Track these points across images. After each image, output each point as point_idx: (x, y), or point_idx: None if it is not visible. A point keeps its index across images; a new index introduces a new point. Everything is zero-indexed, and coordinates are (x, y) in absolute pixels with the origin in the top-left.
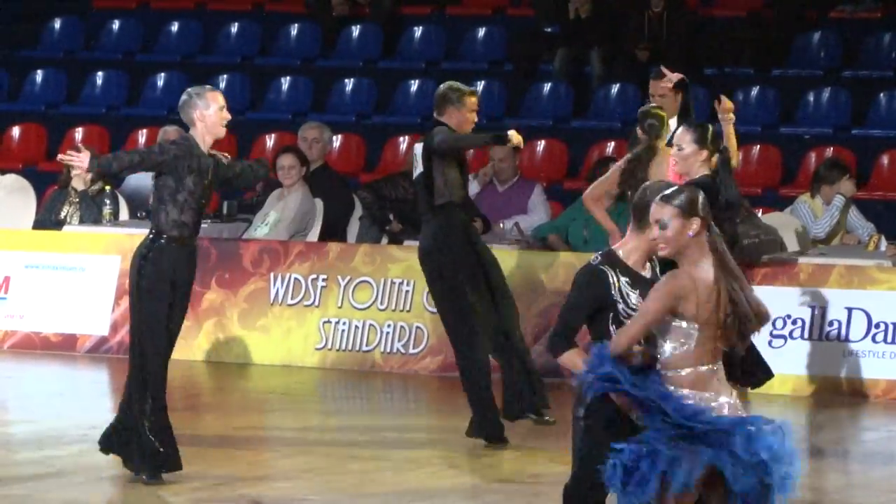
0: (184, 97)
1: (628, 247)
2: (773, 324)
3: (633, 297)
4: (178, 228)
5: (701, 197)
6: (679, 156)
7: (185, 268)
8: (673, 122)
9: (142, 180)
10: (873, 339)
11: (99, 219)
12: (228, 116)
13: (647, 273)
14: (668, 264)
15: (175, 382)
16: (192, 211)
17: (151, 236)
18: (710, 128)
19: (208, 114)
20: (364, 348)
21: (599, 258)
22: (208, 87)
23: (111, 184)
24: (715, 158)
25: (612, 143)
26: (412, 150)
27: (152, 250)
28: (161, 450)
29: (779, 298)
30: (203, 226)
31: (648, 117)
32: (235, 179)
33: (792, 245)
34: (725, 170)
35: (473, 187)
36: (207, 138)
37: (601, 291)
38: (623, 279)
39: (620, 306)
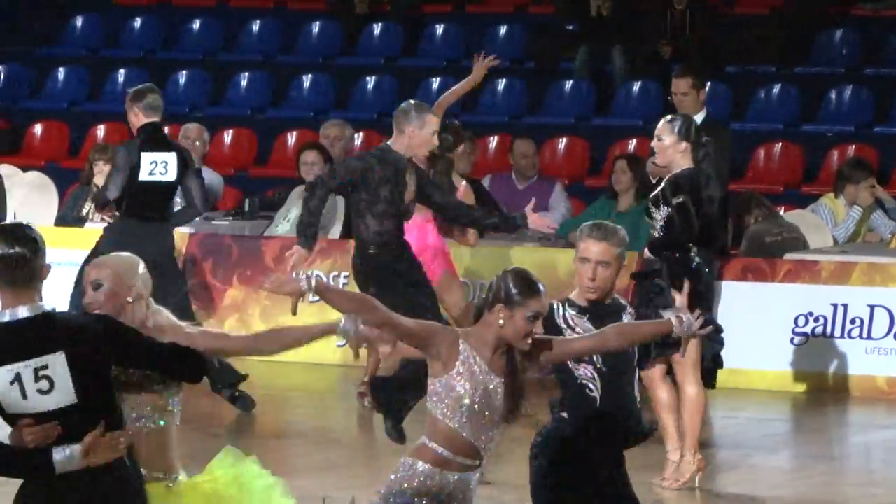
0: (405, 105)
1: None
2: (796, 321)
3: (581, 324)
4: (380, 237)
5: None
6: (658, 146)
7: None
8: (697, 119)
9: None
10: (895, 337)
11: None
12: (436, 142)
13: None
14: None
15: None
16: (392, 219)
17: (358, 248)
18: (693, 120)
19: (421, 133)
20: None
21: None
22: (428, 107)
23: None
24: (701, 152)
25: (634, 141)
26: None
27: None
28: None
29: (801, 296)
30: (224, 222)
31: (445, 131)
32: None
33: (814, 243)
34: (709, 164)
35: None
36: (408, 152)
37: (549, 324)
38: (570, 310)
39: (568, 334)
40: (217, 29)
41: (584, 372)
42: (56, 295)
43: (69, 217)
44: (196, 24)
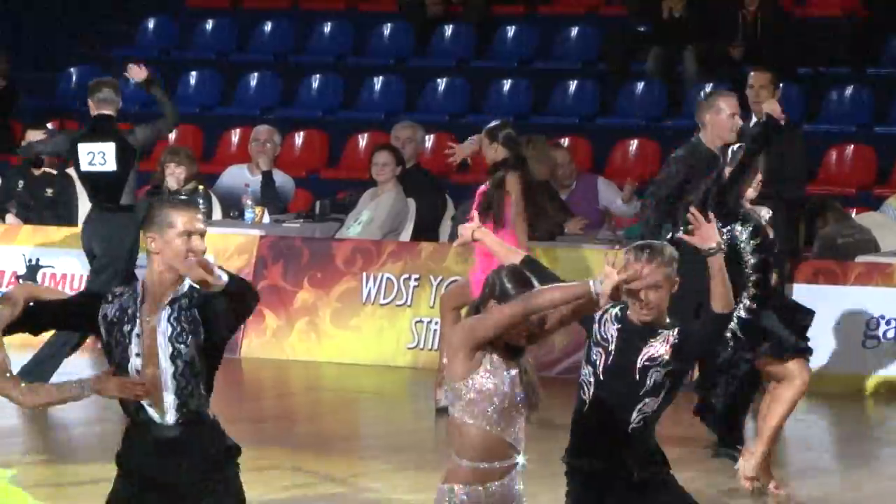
0: (700, 98)
1: None
2: (867, 324)
3: (606, 327)
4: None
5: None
6: None
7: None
8: None
9: (235, 178)
10: None
11: None
12: (740, 122)
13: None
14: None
15: (268, 382)
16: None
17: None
18: None
19: (719, 118)
20: None
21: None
22: (724, 91)
23: (204, 183)
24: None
25: None
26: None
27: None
28: None
29: (873, 298)
30: (295, 225)
31: (502, 130)
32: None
33: (886, 245)
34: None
35: None
36: (717, 141)
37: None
38: (614, 310)
39: (594, 329)
40: (288, 31)
41: (585, 373)
42: None
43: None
44: (268, 26)
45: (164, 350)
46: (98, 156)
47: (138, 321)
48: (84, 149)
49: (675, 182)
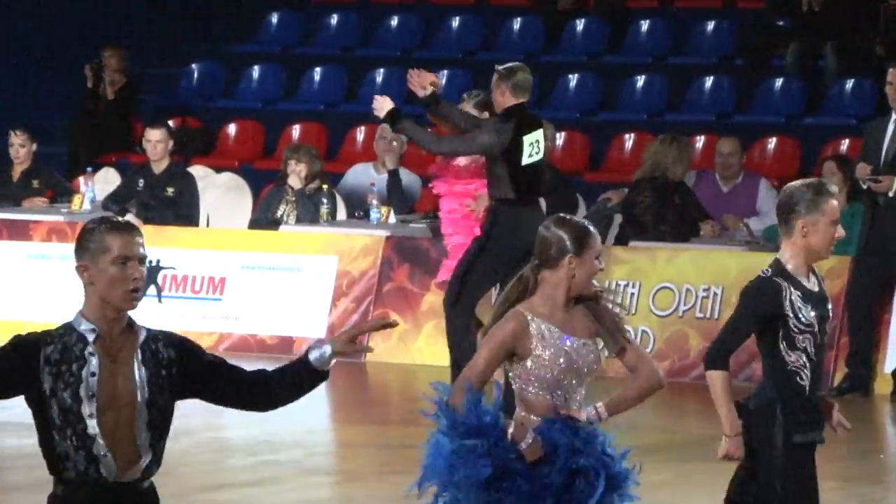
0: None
1: (786, 256)
2: None
3: (805, 311)
4: None
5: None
6: None
7: None
8: None
9: (360, 177)
10: None
11: (316, 218)
12: None
13: (812, 285)
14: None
15: (394, 386)
16: None
17: None
18: None
19: None
20: None
21: (770, 270)
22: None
23: (328, 182)
24: None
25: (847, 141)
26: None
27: None
28: None
29: None
30: (421, 225)
31: None
32: None
33: None
34: None
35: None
36: None
37: (774, 304)
38: (795, 293)
39: (791, 322)
40: (415, 25)
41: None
42: (252, 298)
43: (263, 219)
44: (394, 21)
45: (137, 395)
46: (536, 145)
47: (93, 360)
48: (527, 140)
49: None
